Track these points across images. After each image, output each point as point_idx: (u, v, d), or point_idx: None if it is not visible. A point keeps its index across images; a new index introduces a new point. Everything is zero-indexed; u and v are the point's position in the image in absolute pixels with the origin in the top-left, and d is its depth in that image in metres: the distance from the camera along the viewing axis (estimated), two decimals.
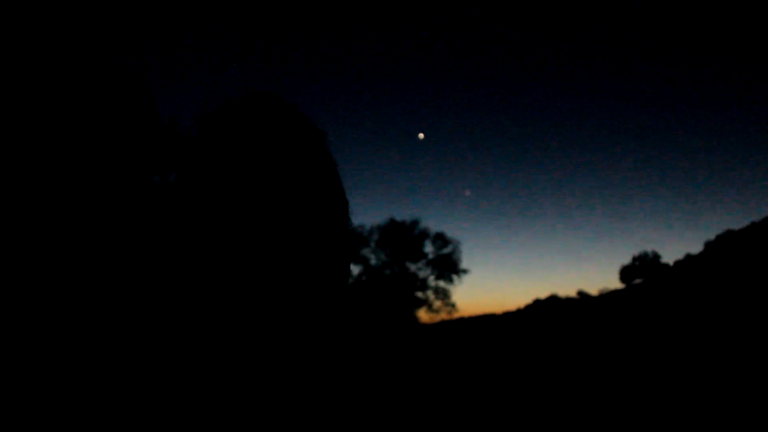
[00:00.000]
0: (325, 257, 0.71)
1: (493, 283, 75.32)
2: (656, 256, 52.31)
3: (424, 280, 40.84)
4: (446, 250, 40.70)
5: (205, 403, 0.67)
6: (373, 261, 40.66)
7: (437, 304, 40.80)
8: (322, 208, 0.72)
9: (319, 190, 0.72)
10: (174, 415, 0.66)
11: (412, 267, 40.76)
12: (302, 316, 0.69)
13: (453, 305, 40.71)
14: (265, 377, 0.68)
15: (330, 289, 0.72)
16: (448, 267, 40.53)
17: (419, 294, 40.81)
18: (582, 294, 50.00)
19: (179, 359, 0.69)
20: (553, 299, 44.28)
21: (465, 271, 40.70)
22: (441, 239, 40.79)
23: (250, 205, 0.68)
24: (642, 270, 51.88)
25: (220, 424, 0.67)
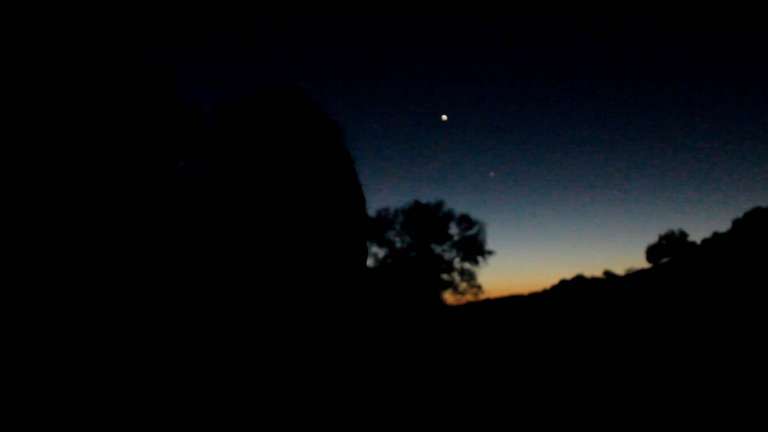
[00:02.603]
0: (341, 249, 0.74)
1: (518, 264, 75.24)
2: (683, 235, 51.70)
3: (450, 262, 40.91)
4: (471, 232, 40.70)
5: (228, 394, 0.68)
6: (398, 244, 40.81)
7: (463, 285, 40.87)
8: (338, 202, 0.74)
9: (334, 185, 0.75)
10: (196, 406, 0.68)
11: (438, 249, 40.83)
12: (318, 307, 0.71)
13: (479, 287, 40.71)
14: (285, 364, 0.71)
15: (346, 280, 0.75)
16: (474, 248, 40.55)
17: (445, 276, 40.91)
18: (608, 274, 49.75)
19: (196, 349, 0.71)
20: (580, 279, 44.16)
21: (490, 253, 40.67)
22: (466, 221, 40.78)
23: (268, 198, 0.70)
24: (669, 249, 51.34)
25: (244, 414, 0.68)
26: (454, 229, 40.84)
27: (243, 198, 0.69)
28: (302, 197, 0.70)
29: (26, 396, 0.65)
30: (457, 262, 40.93)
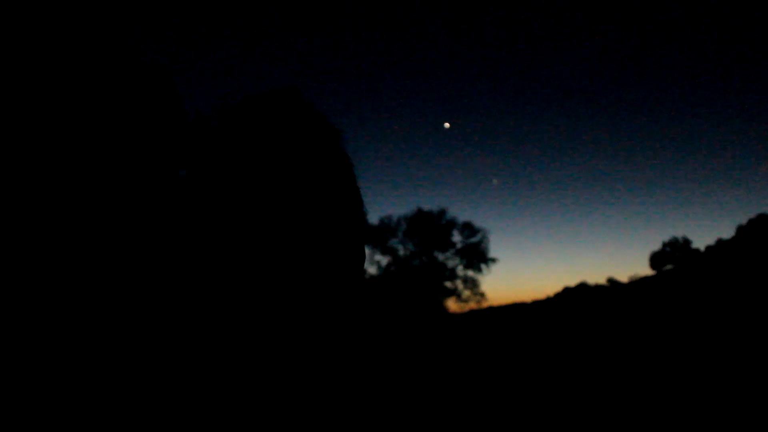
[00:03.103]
0: (338, 252, 0.73)
1: (521, 272, 75.03)
2: (687, 242, 51.59)
3: (453, 270, 40.85)
4: (474, 239, 40.66)
5: (223, 396, 0.68)
6: (401, 251, 40.72)
7: (466, 293, 40.79)
8: (335, 205, 0.73)
9: (332, 188, 0.74)
10: (185, 411, 0.67)
11: (441, 257, 40.77)
12: (314, 309, 0.70)
13: (482, 294, 40.60)
14: (281, 366, 0.70)
15: (342, 283, 0.74)
16: (477, 256, 40.49)
17: (448, 284, 40.83)
18: (612, 281, 49.66)
19: (195, 351, 0.70)
20: (583, 287, 44.09)
21: (493, 260, 40.60)
22: (469, 228, 40.75)
23: (264, 199, 0.69)
24: (673, 256, 51.23)
25: (241, 418, 0.67)
26: (457, 237, 40.84)
27: (238, 199, 0.68)
28: (299, 199, 0.69)
29: (27, 395, 0.65)
30: (460, 270, 40.90)
